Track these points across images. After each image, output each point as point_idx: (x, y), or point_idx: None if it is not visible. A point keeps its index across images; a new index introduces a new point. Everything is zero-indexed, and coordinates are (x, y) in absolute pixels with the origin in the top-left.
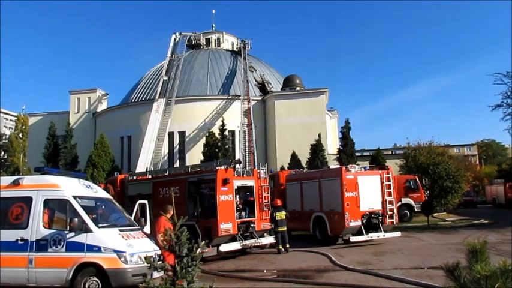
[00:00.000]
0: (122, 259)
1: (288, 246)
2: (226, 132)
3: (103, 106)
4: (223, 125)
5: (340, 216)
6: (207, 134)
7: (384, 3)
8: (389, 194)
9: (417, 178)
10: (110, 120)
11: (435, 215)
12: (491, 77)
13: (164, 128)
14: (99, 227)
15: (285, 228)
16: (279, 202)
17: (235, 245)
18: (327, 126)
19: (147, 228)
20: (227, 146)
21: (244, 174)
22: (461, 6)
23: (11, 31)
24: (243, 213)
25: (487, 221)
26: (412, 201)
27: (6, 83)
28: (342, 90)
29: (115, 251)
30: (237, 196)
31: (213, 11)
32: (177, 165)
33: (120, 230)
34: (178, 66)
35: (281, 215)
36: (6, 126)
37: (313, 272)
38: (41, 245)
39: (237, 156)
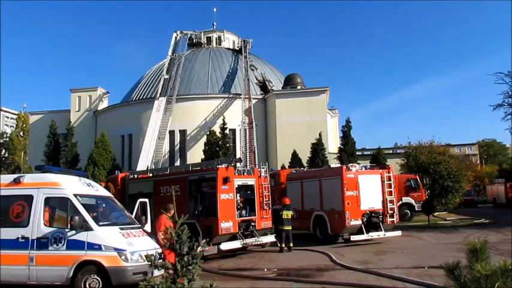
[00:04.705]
0: (123, 257)
1: (291, 245)
2: (227, 131)
3: (104, 104)
4: (224, 123)
5: (341, 215)
6: (208, 133)
7: (385, 3)
8: (390, 193)
9: (418, 177)
10: (111, 118)
11: (436, 214)
12: (493, 77)
13: (165, 126)
14: (100, 225)
15: (290, 227)
16: (287, 201)
17: (236, 244)
18: (327, 125)
19: (148, 227)
20: (228, 145)
21: (245, 173)
22: (462, 6)
23: (12, 29)
24: (244, 212)
25: (487, 221)
26: (412, 201)
27: (7, 81)
28: (343, 90)
29: (116, 249)
30: (238, 195)
31: (214, 10)
32: (177, 163)
33: (121, 229)
34: (179, 65)
35: (288, 214)
36: (7, 125)
37: (314, 271)
38: (42, 243)
39: (238, 155)
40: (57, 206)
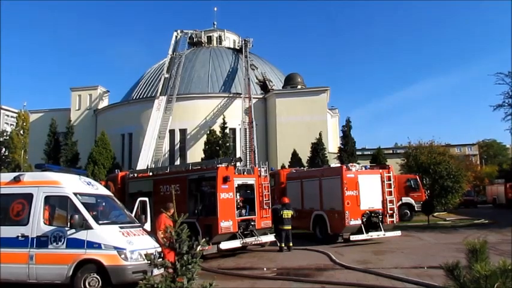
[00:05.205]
0: (122, 256)
1: (291, 244)
2: (227, 130)
3: (104, 103)
4: (224, 122)
5: (341, 215)
6: (208, 132)
7: (385, 3)
8: (390, 193)
9: (418, 177)
10: (111, 117)
11: (435, 214)
12: (493, 77)
13: (165, 125)
14: (100, 224)
15: (290, 227)
16: (286, 200)
17: (236, 243)
18: (327, 124)
19: (148, 226)
20: (228, 144)
21: (245, 172)
22: (462, 6)
23: (12, 28)
24: (244, 211)
25: (487, 221)
26: (412, 201)
27: (8, 80)
28: (343, 89)
29: (115, 248)
30: (238, 194)
31: (215, 9)
32: (177, 162)
33: (121, 227)
34: (180, 64)
35: (288, 213)
36: (7, 123)
37: (313, 271)
38: (42, 241)
39: (238, 154)
40: (57, 204)
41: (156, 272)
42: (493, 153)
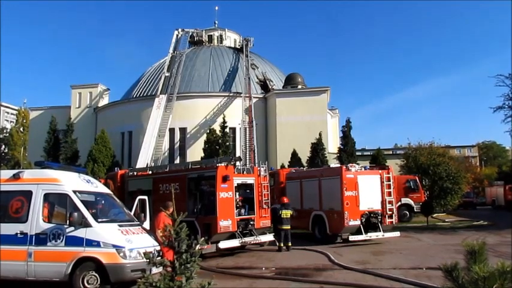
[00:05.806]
0: (121, 254)
1: (290, 244)
2: (227, 130)
3: (104, 101)
4: (224, 122)
5: (340, 215)
6: (208, 131)
7: (385, 3)
8: (389, 194)
9: (417, 178)
10: (111, 115)
11: (434, 215)
12: (494, 79)
13: (165, 124)
14: (99, 222)
15: (289, 227)
16: (285, 200)
17: (234, 242)
18: (328, 125)
19: (147, 224)
20: (228, 143)
21: (245, 172)
22: (462, 6)
23: (13, 25)
24: (243, 211)
25: (486, 223)
26: (411, 202)
27: (8, 77)
28: (343, 89)
29: (114, 246)
30: (237, 193)
31: (216, 8)
32: (177, 161)
33: (120, 226)
34: (180, 63)
35: (287, 213)
36: (7, 120)
37: (312, 271)
38: (41, 239)
39: (238, 154)
40: (56, 202)
41: (154, 270)
42: (492, 155)
